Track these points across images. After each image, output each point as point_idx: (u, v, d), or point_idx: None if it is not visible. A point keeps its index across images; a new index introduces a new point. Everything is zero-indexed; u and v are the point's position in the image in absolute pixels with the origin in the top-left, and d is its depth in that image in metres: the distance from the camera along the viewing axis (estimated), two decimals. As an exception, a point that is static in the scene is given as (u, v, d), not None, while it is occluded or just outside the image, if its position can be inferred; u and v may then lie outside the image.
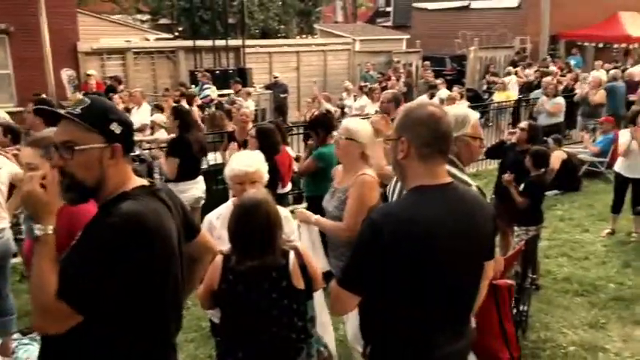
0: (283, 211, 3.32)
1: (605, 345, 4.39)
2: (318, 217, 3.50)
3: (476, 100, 15.06)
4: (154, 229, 1.73)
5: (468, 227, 1.91)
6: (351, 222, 3.21)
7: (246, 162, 3.27)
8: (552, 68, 14.81)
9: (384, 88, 12.72)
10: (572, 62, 18.29)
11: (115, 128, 1.80)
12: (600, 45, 21.91)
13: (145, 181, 1.91)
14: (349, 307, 1.97)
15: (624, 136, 6.94)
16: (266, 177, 3.35)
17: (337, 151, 3.54)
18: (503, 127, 11.53)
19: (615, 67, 14.35)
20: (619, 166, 6.88)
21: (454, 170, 2.54)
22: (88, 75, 12.83)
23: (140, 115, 9.59)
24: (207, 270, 2.49)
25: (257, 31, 24.63)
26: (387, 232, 1.81)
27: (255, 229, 2.51)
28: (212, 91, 12.36)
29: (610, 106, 10.84)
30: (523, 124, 5.85)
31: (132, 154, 2.04)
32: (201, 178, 5.96)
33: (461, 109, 3.02)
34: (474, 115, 2.91)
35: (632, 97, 11.62)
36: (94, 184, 1.79)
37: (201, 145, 5.89)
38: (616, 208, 6.96)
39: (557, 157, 8.55)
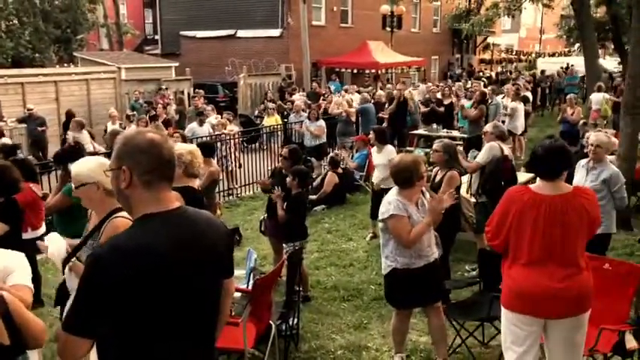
0: (16, 259, 2.89)
1: (368, 343, 4.74)
2: None
3: (248, 125, 15.54)
4: None
5: (197, 249, 1.92)
6: None
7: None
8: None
9: (152, 117, 12.38)
10: (332, 87, 19.99)
11: None
12: (355, 71, 24.36)
13: None
14: (81, 352, 1.83)
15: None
16: None
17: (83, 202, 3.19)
18: (275, 150, 12.01)
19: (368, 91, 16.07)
20: (374, 177, 7.64)
21: None
22: None
23: None
24: None
25: (8, 60, 22.15)
26: (112, 266, 1.76)
27: None
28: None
29: (363, 125, 12.01)
30: (284, 151, 6.08)
31: None
32: None
33: None
34: None
35: (381, 115, 13.05)
36: None
37: None
38: (374, 214, 7.71)
39: (330, 183, 9.28)
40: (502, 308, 3.29)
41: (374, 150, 7.78)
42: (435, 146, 5.65)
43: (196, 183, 3.87)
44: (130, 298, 1.76)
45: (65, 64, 22.81)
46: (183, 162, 3.74)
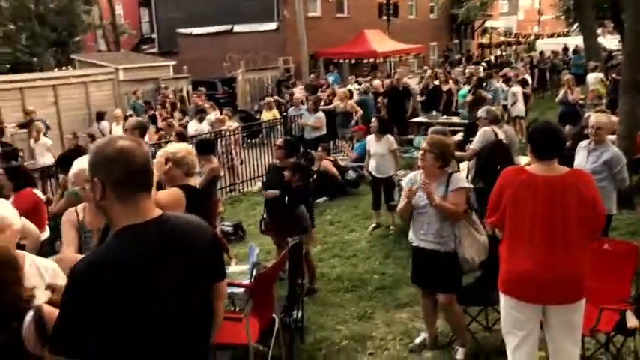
0: (43, 262, 2.88)
1: (372, 333, 4.77)
2: None
3: (248, 120, 15.53)
4: None
5: (178, 257, 1.87)
6: None
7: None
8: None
9: (152, 117, 12.40)
10: (331, 78, 19.91)
11: None
12: (353, 61, 24.28)
13: None
14: None
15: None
16: (16, 224, 2.91)
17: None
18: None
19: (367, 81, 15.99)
20: (371, 167, 7.61)
21: None
22: None
23: None
24: None
25: (7, 65, 22.22)
26: (89, 282, 1.72)
27: None
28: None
29: (364, 116, 11.98)
30: (279, 141, 6.10)
31: None
32: None
33: None
34: None
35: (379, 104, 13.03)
36: None
37: None
38: (375, 205, 7.72)
39: (331, 168, 9.31)
40: (500, 293, 3.28)
41: (371, 138, 7.67)
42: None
43: (194, 181, 3.90)
44: (113, 313, 1.72)
45: (64, 67, 22.85)
46: (185, 164, 3.77)
